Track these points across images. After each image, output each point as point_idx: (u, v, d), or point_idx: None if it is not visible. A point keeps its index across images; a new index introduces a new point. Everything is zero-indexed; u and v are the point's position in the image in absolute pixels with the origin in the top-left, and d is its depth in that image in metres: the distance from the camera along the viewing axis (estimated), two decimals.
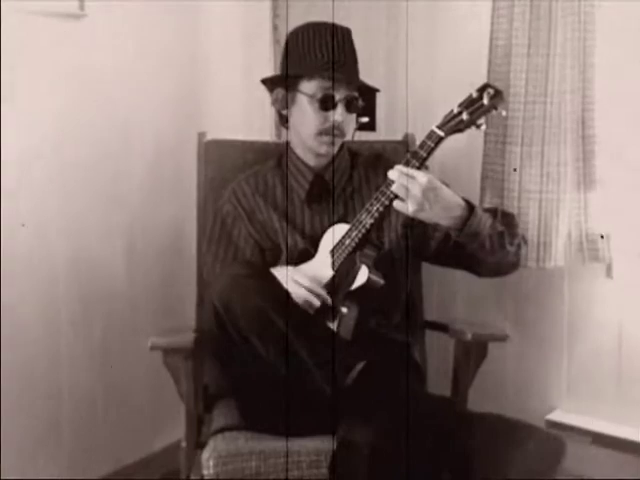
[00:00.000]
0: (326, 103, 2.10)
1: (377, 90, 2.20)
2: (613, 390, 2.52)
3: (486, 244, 1.97)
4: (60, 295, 2.48)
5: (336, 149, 2.17)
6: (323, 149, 2.15)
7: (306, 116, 2.14)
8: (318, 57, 2.12)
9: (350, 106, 2.12)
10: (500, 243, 2.00)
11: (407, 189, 1.87)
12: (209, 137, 2.42)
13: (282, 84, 2.18)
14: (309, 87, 2.12)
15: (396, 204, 1.90)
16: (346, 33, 2.16)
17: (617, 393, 2.51)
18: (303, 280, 1.97)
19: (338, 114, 2.10)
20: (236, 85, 2.82)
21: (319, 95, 2.10)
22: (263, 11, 2.97)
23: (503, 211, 2.08)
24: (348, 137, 2.19)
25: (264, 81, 2.22)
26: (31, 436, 2.42)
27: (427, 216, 1.91)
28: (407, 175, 1.88)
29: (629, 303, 2.47)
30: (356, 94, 2.13)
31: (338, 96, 2.10)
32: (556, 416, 2.59)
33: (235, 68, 2.87)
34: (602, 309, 2.52)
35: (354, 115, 2.16)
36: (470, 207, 1.94)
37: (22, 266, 2.34)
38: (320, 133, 2.13)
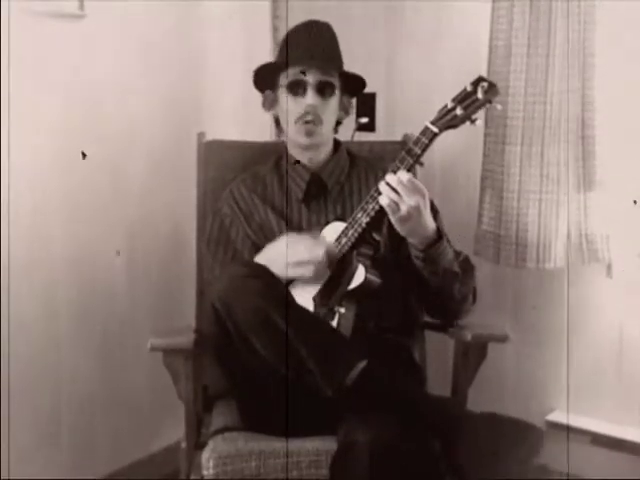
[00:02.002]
0: (295, 87, 2.13)
1: (361, 78, 2.20)
2: (613, 390, 2.52)
3: (438, 275, 2.01)
4: (60, 295, 2.48)
5: (317, 139, 2.17)
6: (302, 139, 2.17)
7: (284, 108, 2.16)
8: (292, 49, 2.14)
9: (323, 91, 2.13)
10: (450, 282, 2.04)
11: (395, 204, 1.90)
12: (208, 137, 2.42)
13: (268, 85, 2.20)
14: (285, 78, 2.15)
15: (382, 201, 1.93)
16: (324, 26, 2.19)
17: (617, 393, 2.51)
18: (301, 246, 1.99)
19: (309, 97, 2.12)
20: (236, 85, 2.81)
21: (290, 81, 2.13)
22: (263, 11, 2.97)
23: (467, 258, 2.11)
24: (329, 129, 2.19)
25: (255, 83, 2.24)
26: (31, 436, 2.42)
27: (402, 230, 1.95)
28: (396, 193, 1.90)
29: (629, 303, 2.47)
30: (330, 79, 2.14)
31: (310, 80, 2.12)
32: (556, 416, 2.59)
33: (235, 69, 2.86)
34: (602, 309, 2.52)
35: (331, 100, 2.16)
36: (439, 235, 1.99)
37: (22, 267, 2.34)
38: (296, 121, 2.14)
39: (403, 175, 1.91)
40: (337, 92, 2.17)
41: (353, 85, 2.22)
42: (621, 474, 2.46)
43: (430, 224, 1.97)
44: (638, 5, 2.31)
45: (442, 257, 2.00)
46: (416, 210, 1.90)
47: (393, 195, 1.90)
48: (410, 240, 1.98)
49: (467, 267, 2.09)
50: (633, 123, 2.39)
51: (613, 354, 2.50)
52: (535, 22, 2.36)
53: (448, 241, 2.07)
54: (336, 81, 2.16)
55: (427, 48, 2.71)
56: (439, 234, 2.00)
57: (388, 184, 1.91)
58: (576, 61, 2.34)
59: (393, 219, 1.93)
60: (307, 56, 2.13)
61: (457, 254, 2.08)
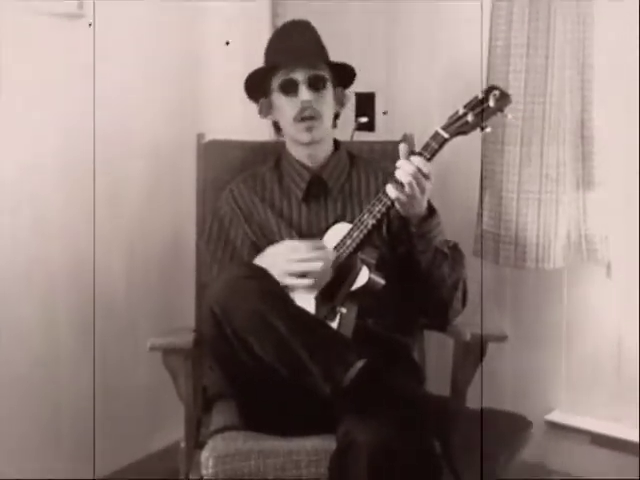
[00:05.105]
0: (287, 87, 2.15)
1: (351, 67, 2.22)
2: (612, 390, 2.52)
3: (429, 254, 2.03)
4: (59, 296, 2.48)
5: (319, 134, 2.18)
6: (303, 136, 2.17)
7: (280, 110, 2.19)
8: (277, 53, 2.19)
9: (315, 85, 2.15)
10: (440, 263, 2.05)
11: (417, 185, 1.91)
12: (208, 138, 2.43)
13: (260, 92, 2.23)
14: (275, 81, 2.17)
15: (389, 190, 1.93)
16: (303, 24, 2.23)
17: (616, 393, 2.51)
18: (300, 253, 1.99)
19: (303, 93, 2.13)
20: (235, 86, 2.80)
21: (281, 82, 2.15)
22: (263, 11, 2.97)
23: (455, 245, 2.12)
24: (328, 123, 2.20)
25: (249, 95, 2.27)
26: (31, 437, 2.42)
27: (402, 211, 1.97)
28: (421, 173, 1.91)
29: (628, 304, 2.47)
30: (320, 72, 2.16)
31: (300, 78, 2.14)
32: (555, 416, 2.59)
33: (234, 69, 2.86)
34: (601, 310, 2.52)
35: (325, 94, 2.18)
36: (432, 209, 2.01)
37: (21, 267, 2.34)
38: (295, 119, 2.15)
39: (417, 161, 1.92)
40: (329, 84, 2.19)
41: (344, 76, 2.23)
42: (621, 474, 2.46)
43: (425, 202, 1.99)
44: (637, 5, 2.31)
45: (434, 233, 2.02)
46: (422, 196, 1.93)
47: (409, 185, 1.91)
48: (407, 213, 1.99)
49: (456, 252, 2.10)
50: (632, 123, 2.39)
51: (612, 354, 2.50)
52: (534, 22, 2.36)
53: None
54: (326, 74, 2.18)
55: (427, 48, 2.72)
56: (431, 210, 2.01)
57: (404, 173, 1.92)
58: (575, 61, 2.35)
59: (398, 205, 1.95)
60: (292, 55, 2.16)
61: (447, 242, 2.09)
